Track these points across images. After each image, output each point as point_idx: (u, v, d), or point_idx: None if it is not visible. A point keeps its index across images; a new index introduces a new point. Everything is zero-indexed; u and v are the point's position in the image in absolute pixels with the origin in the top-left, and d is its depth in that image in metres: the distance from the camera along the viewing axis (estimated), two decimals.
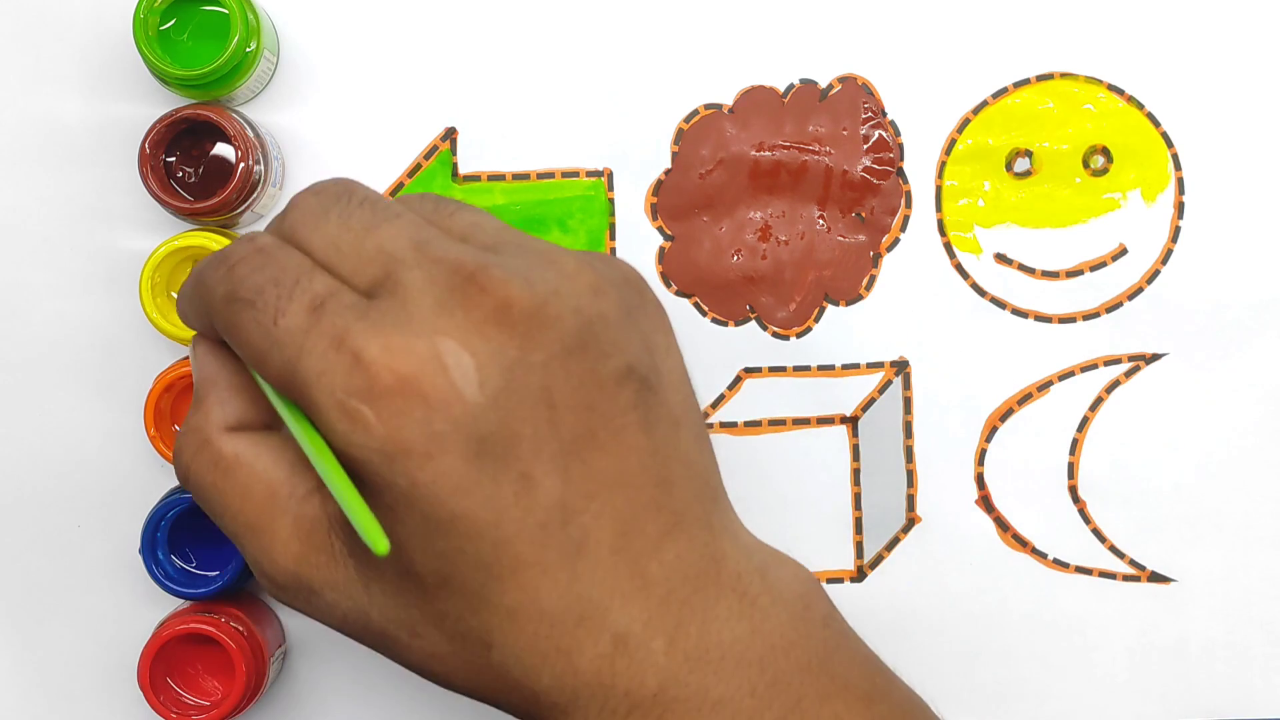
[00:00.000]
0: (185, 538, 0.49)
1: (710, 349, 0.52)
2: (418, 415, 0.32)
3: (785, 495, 0.52)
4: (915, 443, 0.53)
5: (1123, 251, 0.53)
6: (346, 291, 0.34)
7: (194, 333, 0.38)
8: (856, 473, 0.53)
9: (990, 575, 0.53)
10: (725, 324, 0.52)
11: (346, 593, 0.35)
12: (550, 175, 0.52)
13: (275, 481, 0.36)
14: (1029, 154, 0.53)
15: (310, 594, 0.36)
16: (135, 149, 0.48)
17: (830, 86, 0.52)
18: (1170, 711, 0.53)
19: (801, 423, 0.53)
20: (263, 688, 0.49)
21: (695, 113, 0.52)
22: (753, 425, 0.52)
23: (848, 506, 0.53)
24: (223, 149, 0.49)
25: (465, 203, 0.37)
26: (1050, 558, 0.53)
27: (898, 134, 0.52)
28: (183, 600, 0.50)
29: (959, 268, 0.53)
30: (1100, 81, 0.52)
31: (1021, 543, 0.53)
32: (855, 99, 0.52)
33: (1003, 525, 0.53)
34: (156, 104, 0.50)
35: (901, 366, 0.52)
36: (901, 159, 0.52)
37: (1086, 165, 0.53)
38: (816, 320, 0.52)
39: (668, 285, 0.52)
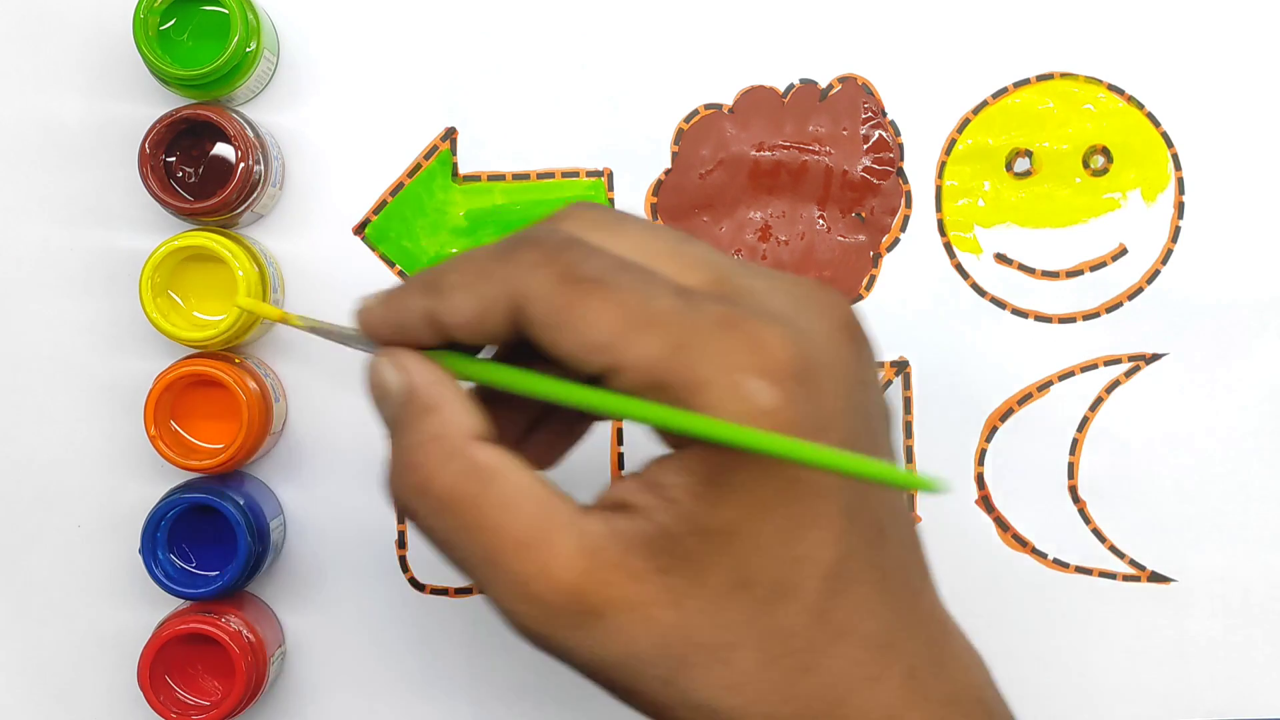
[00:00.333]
0: (185, 538, 0.49)
1: None
2: (810, 396, 0.31)
3: None
4: (915, 443, 0.53)
5: (1123, 251, 0.53)
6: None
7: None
8: None
9: (990, 575, 0.53)
10: None
11: (646, 614, 0.32)
12: (550, 175, 0.52)
13: (544, 494, 0.33)
14: (1029, 154, 0.53)
15: (590, 618, 0.32)
16: (135, 149, 0.48)
17: (830, 86, 0.52)
18: (1170, 711, 0.53)
19: None
20: (263, 688, 0.49)
21: (695, 113, 0.52)
22: None
23: None
24: (223, 149, 0.49)
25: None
26: (1050, 558, 0.53)
27: (898, 134, 0.52)
28: (183, 600, 0.50)
29: (959, 268, 0.53)
30: (1100, 81, 0.52)
31: (1021, 543, 0.53)
32: (855, 99, 0.52)
33: (1003, 525, 0.53)
34: (156, 104, 0.50)
35: (901, 366, 0.52)
36: (901, 159, 0.52)
37: (1086, 165, 0.53)
38: None
39: None
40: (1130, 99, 0.53)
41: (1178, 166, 0.53)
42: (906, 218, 0.53)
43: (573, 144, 0.52)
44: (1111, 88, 0.53)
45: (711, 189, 0.52)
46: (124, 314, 0.51)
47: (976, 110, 0.52)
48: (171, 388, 0.49)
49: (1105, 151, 0.53)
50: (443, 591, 0.52)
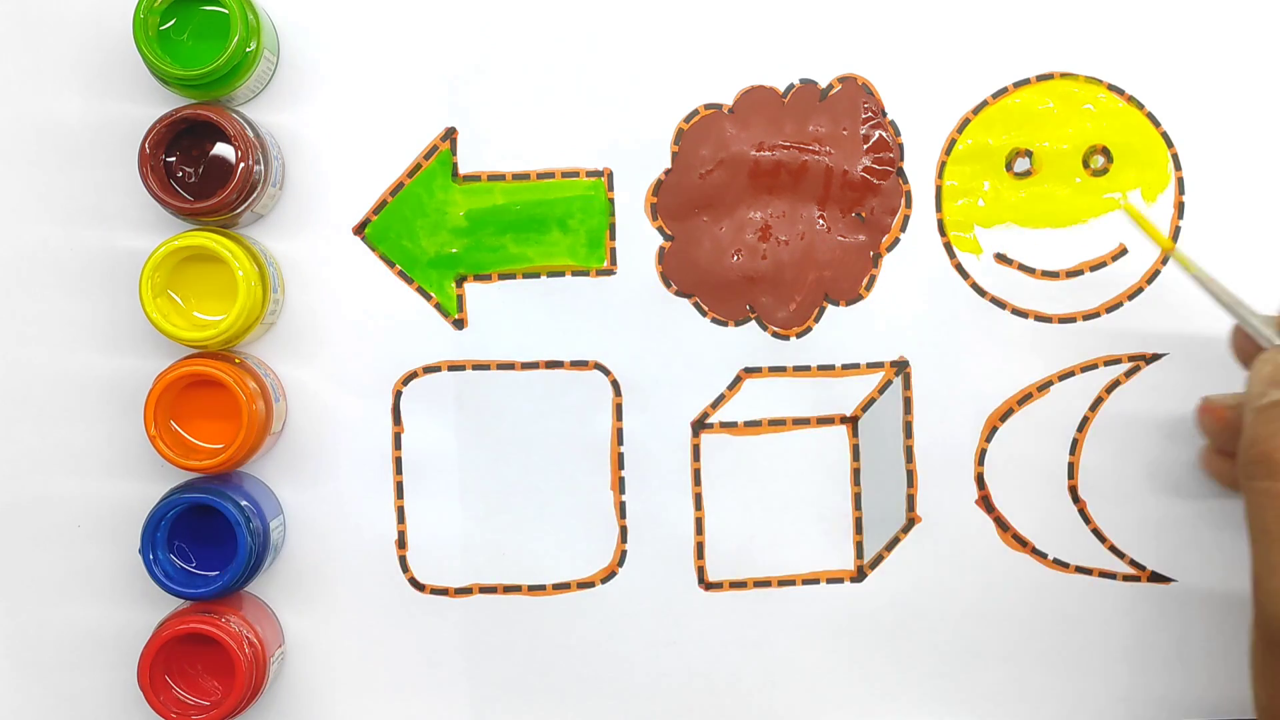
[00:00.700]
0: (185, 538, 0.49)
1: (710, 349, 0.52)
2: None
3: (785, 495, 0.52)
4: (915, 443, 0.53)
5: (1123, 251, 0.53)
6: None
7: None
8: (856, 473, 0.53)
9: (990, 575, 0.53)
10: (725, 324, 0.52)
11: None
12: (550, 175, 0.52)
13: None
14: (1029, 154, 0.53)
15: None
16: (135, 149, 0.48)
17: (830, 86, 0.52)
18: (1170, 711, 0.53)
19: (801, 423, 0.53)
20: (263, 688, 0.49)
21: (695, 113, 0.52)
22: (753, 425, 0.52)
23: (848, 506, 0.53)
24: (223, 149, 0.49)
25: None
26: (1050, 558, 0.53)
27: (898, 134, 0.52)
28: (183, 600, 0.50)
29: (959, 268, 0.53)
30: (1100, 81, 0.52)
31: (1021, 543, 0.53)
32: (855, 99, 0.52)
33: (1003, 525, 0.53)
34: (156, 104, 0.50)
35: (901, 366, 0.52)
36: (901, 159, 0.52)
37: (1086, 165, 0.53)
38: (816, 320, 0.52)
39: (668, 285, 0.52)
40: (1130, 99, 0.53)
41: (1178, 167, 0.53)
42: (906, 218, 0.53)
43: (573, 144, 0.52)
44: (1111, 88, 0.53)
45: (711, 189, 0.52)
46: (124, 314, 0.51)
47: (976, 110, 0.52)
48: (171, 388, 0.49)
49: (1105, 151, 0.53)
50: (443, 591, 0.52)
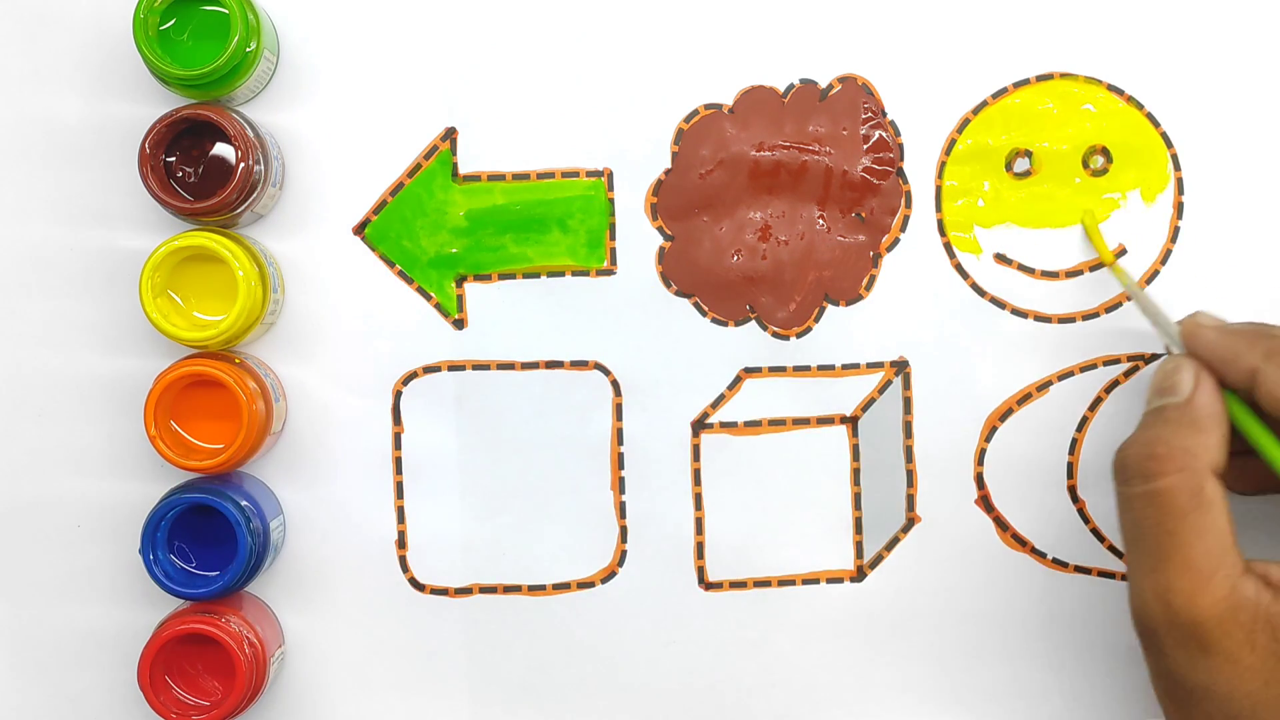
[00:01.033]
0: (185, 538, 0.49)
1: (710, 349, 0.52)
2: None
3: (785, 495, 0.52)
4: (915, 443, 0.53)
5: (1123, 252, 0.53)
6: None
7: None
8: (856, 473, 0.53)
9: (990, 575, 0.53)
10: (725, 324, 0.52)
11: (1235, 675, 0.40)
12: (550, 175, 0.52)
13: (1229, 543, 0.41)
14: (1029, 154, 0.53)
15: (1197, 649, 0.40)
16: (135, 149, 0.48)
17: (830, 86, 0.52)
18: None
19: (801, 423, 0.53)
20: (263, 688, 0.49)
21: (695, 113, 0.52)
22: (753, 425, 0.52)
23: (848, 506, 0.53)
24: (223, 149, 0.49)
25: None
26: (1050, 557, 0.53)
27: (898, 134, 0.52)
28: (183, 600, 0.50)
29: (959, 268, 0.53)
30: (1100, 81, 0.53)
31: (1021, 542, 0.53)
32: (855, 99, 0.52)
33: (1002, 525, 0.53)
34: (156, 104, 0.50)
35: (901, 366, 0.52)
36: (901, 159, 0.52)
37: (1086, 165, 0.53)
38: (816, 320, 0.52)
39: (668, 285, 0.52)
40: (1130, 99, 0.53)
41: (1177, 167, 0.53)
42: (906, 218, 0.53)
43: (573, 144, 0.52)
44: (1111, 88, 0.53)
45: (711, 189, 0.52)
46: (124, 314, 0.51)
47: (976, 110, 0.52)
48: (171, 388, 0.49)
49: (1105, 151, 0.53)
50: (443, 591, 0.52)
